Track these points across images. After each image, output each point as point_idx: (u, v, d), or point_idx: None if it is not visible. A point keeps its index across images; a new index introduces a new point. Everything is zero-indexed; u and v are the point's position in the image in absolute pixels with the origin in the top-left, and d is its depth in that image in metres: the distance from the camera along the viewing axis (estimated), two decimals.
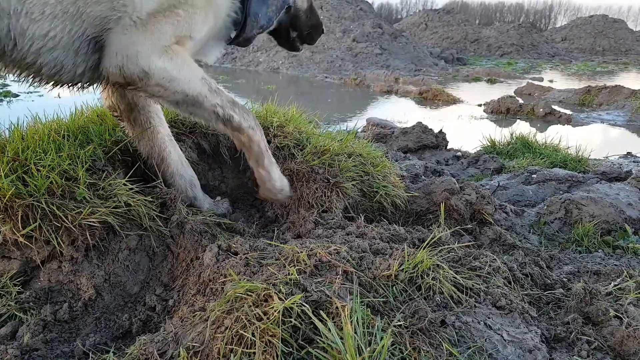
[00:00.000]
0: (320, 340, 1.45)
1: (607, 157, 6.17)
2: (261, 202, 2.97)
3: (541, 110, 11.28)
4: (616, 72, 27.27)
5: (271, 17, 2.49)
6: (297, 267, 1.79)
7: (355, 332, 1.45)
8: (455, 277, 1.94)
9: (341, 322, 1.47)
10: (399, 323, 1.60)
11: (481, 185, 4.04)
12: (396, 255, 2.00)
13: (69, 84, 2.17)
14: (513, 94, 13.86)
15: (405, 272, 1.89)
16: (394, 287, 1.84)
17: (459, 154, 6.20)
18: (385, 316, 1.65)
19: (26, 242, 2.07)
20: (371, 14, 31.27)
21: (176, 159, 2.65)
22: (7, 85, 11.34)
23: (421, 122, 6.77)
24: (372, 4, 36.89)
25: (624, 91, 13.46)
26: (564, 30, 49.68)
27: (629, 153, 6.52)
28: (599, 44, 44.82)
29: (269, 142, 3.06)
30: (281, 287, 1.61)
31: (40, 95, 10.47)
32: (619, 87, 13.83)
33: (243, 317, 1.50)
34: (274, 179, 2.50)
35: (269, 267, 1.83)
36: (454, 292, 1.87)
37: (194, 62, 2.19)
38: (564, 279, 2.31)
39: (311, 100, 13.85)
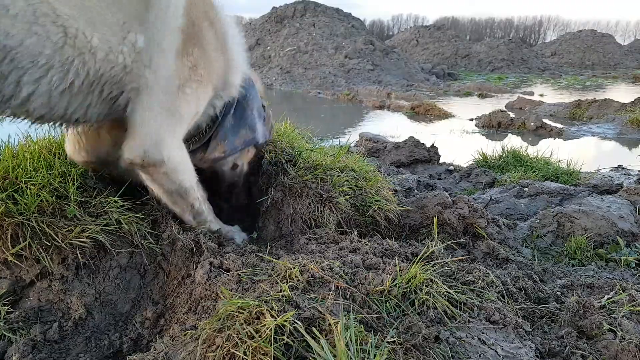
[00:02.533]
0: (313, 358, 1.43)
1: (598, 170, 6.22)
2: (252, 219, 2.96)
3: (532, 124, 11.38)
4: (605, 86, 27.60)
5: (237, 146, 2.60)
6: (289, 283, 1.78)
7: (349, 349, 1.43)
8: (449, 292, 1.93)
9: (334, 339, 1.45)
10: (393, 339, 1.59)
11: (474, 199, 4.05)
12: (389, 270, 2.00)
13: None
14: (504, 108, 13.97)
15: (398, 287, 1.88)
16: (387, 303, 1.83)
17: (451, 167, 6.23)
18: (379, 332, 1.64)
19: (16, 261, 2.05)
20: (363, 31, 31.63)
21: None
22: None
23: (413, 137, 6.80)
24: (364, 21, 37.33)
25: (613, 104, 13.62)
26: (554, 45, 50.41)
27: (619, 166, 6.57)
28: (588, 58, 45.47)
29: (261, 157, 3.06)
30: (273, 304, 1.59)
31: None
32: (608, 101, 13.99)
33: (234, 335, 1.48)
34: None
35: (261, 284, 1.81)
36: (448, 307, 1.86)
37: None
38: (558, 293, 2.30)
39: (304, 116, 13.90)
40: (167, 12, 1.95)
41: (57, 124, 2.00)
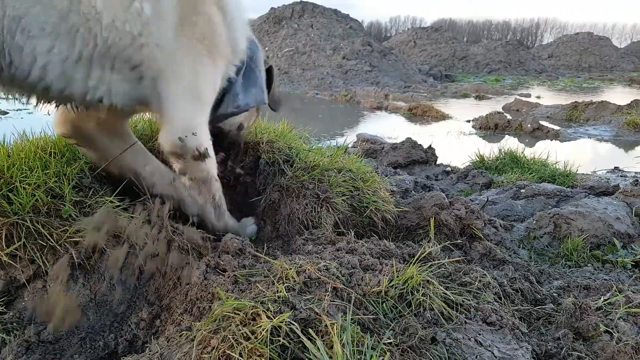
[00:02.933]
0: (309, 359, 1.42)
1: (594, 172, 6.23)
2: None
3: (529, 125, 11.39)
4: (602, 88, 27.68)
5: (249, 102, 2.62)
6: (286, 284, 1.77)
7: (345, 351, 1.42)
8: (446, 293, 1.93)
9: (330, 341, 1.44)
10: (389, 340, 1.58)
11: (470, 200, 4.05)
12: (386, 271, 1.99)
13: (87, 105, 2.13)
14: (501, 110, 13.99)
15: (395, 288, 1.88)
16: (384, 304, 1.82)
17: (448, 169, 6.23)
18: (375, 334, 1.63)
19: (10, 261, 2.03)
20: (361, 32, 31.66)
21: (153, 174, 2.61)
22: None
23: (411, 138, 6.81)
24: (362, 23, 37.34)
25: (610, 107, 13.66)
26: (551, 47, 50.54)
27: (616, 168, 6.58)
28: (584, 60, 45.61)
29: (258, 157, 3.05)
30: (269, 305, 1.59)
31: (29, 113, 10.40)
32: (605, 103, 14.03)
33: (230, 336, 1.47)
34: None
35: (257, 285, 1.81)
36: (445, 308, 1.85)
37: None
38: (554, 294, 2.30)
39: (302, 117, 13.89)
40: None
41: (87, 106, 2.01)
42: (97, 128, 2.43)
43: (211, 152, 2.26)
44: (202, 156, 2.18)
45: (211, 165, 2.28)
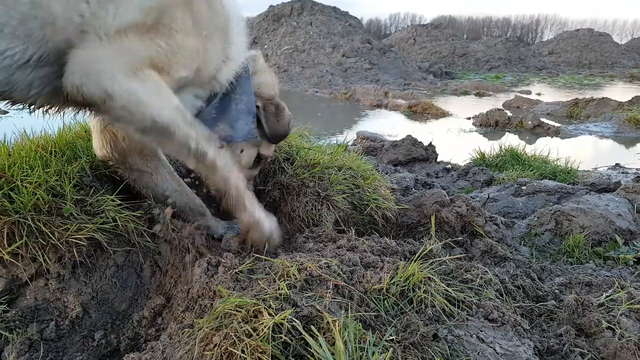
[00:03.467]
0: (311, 356, 1.42)
1: (595, 169, 6.22)
2: None
3: (530, 122, 11.39)
4: (603, 85, 27.67)
5: (250, 131, 2.44)
6: (287, 282, 1.77)
7: (347, 347, 1.43)
8: (447, 290, 1.93)
9: (332, 338, 1.45)
10: (391, 337, 1.58)
11: (471, 197, 4.05)
12: (387, 269, 1.99)
13: (23, 103, 1.97)
14: (501, 107, 13.99)
15: (396, 286, 1.88)
16: (385, 301, 1.82)
17: (449, 166, 6.23)
18: (377, 331, 1.63)
19: (12, 260, 2.03)
20: (360, 30, 31.63)
21: (180, 194, 2.58)
22: None
23: (411, 136, 6.80)
24: (361, 20, 37.33)
25: (610, 103, 13.65)
26: (551, 44, 50.49)
27: (617, 164, 6.58)
28: (585, 57, 45.56)
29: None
30: (271, 303, 1.59)
31: (30, 112, 10.38)
32: (606, 100, 14.02)
33: (232, 333, 1.47)
34: (260, 222, 2.27)
35: (258, 282, 1.81)
36: (446, 305, 1.85)
37: (172, 93, 1.98)
38: (556, 291, 2.30)
39: (302, 115, 13.88)
40: None
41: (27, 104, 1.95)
42: (133, 149, 2.42)
43: (149, 97, 1.88)
44: (127, 102, 1.83)
45: (156, 111, 1.89)
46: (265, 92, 2.57)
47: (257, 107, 2.47)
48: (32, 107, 1.95)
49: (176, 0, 1.94)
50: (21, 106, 1.97)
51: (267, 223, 2.31)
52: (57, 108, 1.98)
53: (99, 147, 2.45)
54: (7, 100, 1.91)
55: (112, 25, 1.76)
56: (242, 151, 2.52)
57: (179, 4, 1.94)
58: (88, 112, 1.98)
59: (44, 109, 1.99)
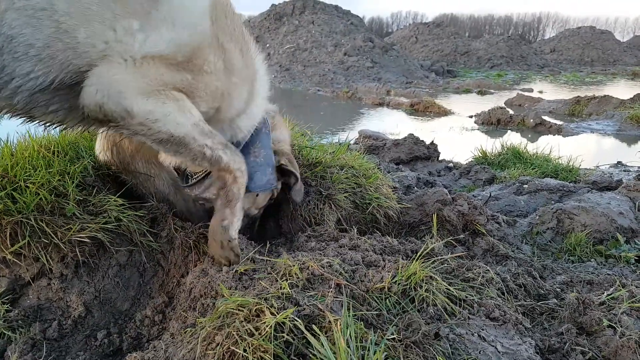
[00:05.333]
0: (313, 355, 1.43)
1: (597, 167, 6.22)
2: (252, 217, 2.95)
3: (531, 120, 11.37)
4: (605, 83, 27.59)
5: (269, 181, 2.51)
6: (289, 281, 1.78)
7: (349, 346, 1.43)
8: (449, 289, 1.93)
9: (334, 336, 1.45)
10: (393, 336, 1.59)
11: (473, 196, 4.05)
12: (389, 268, 1.99)
13: (42, 121, 1.96)
14: (503, 105, 13.96)
15: (398, 285, 1.88)
16: (387, 300, 1.83)
17: (451, 165, 6.23)
18: (379, 329, 1.64)
19: (15, 260, 2.04)
20: (362, 28, 31.60)
21: (181, 201, 2.59)
22: None
23: (413, 134, 6.80)
24: (363, 18, 37.30)
25: (612, 101, 13.62)
26: (553, 41, 50.34)
27: (619, 162, 6.57)
28: (587, 55, 45.43)
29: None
30: (273, 302, 1.59)
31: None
32: (607, 97, 13.99)
33: (234, 332, 1.48)
34: (234, 227, 2.20)
35: (260, 281, 1.81)
36: (448, 304, 1.86)
37: (193, 108, 2.03)
38: (557, 289, 2.30)
39: (304, 113, 13.88)
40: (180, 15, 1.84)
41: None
42: (137, 153, 2.43)
43: (165, 115, 1.90)
44: (145, 119, 1.87)
45: (172, 128, 1.94)
46: (285, 149, 2.68)
47: (282, 164, 2.59)
48: (50, 124, 1.96)
49: (211, 42, 1.96)
50: (40, 124, 1.97)
51: (234, 234, 2.20)
52: (74, 124, 1.97)
53: (101, 151, 2.46)
54: (25, 118, 1.91)
55: (139, 52, 1.77)
56: (257, 195, 2.59)
57: (213, 46, 1.97)
58: (106, 128, 1.99)
59: (63, 127, 1.99)
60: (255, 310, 1.56)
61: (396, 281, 1.89)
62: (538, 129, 11.17)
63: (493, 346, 1.68)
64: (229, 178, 2.17)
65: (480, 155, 6.48)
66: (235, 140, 2.38)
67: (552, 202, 4.04)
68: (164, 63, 1.85)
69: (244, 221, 2.32)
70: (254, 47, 2.39)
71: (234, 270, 1.97)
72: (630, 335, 1.82)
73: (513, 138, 9.32)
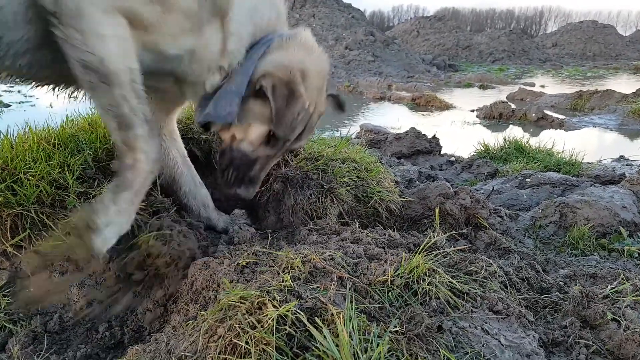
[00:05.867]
0: (315, 347, 1.42)
1: (600, 161, 6.19)
2: (254, 209, 2.94)
3: (534, 115, 11.33)
4: (607, 77, 27.50)
5: (230, 113, 2.03)
6: (291, 274, 1.77)
7: (351, 339, 1.42)
8: (452, 282, 1.92)
9: (337, 329, 1.44)
10: (395, 329, 1.58)
11: (475, 189, 4.03)
12: (392, 261, 1.98)
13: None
14: (505, 100, 13.90)
15: (401, 278, 1.87)
16: (389, 293, 1.82)
17: (453, 159, 6.20)
18: (381, 322, 1.63)
19: (15, 252, 2.04)
20: (363, 22, 31.49)
21: (189, 180, 2.56)
22: None
23: (414, 128, 6.77)
24: (364, 12, 37.15)
25: (615, 95, 13.56)
26: (555, 36, 50.18)
27: (621, 156, 6.54)
28: (589, 49, 45.28)
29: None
30: (275, 294, 1.58)
31: (32, 105, 10.39)
32: (610, 92, 13.93)
33: (236, 325, 1.47)
34: (106, 223, 1.76)
35: (262, 274, 1.80)
36: (451, 297, 1.85)
37: (136, 59, 1.80)
38: (561, 283, 2.29)
39: None
40: None
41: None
42: None
43: (109, 37, 1.71)
44: (86, 28, 1.69)
45: (109, 54, 1.71)
46: (284, 72, 2.09)
47: (262, 86, 2.04)
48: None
49: None
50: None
51: (104, 231, 1.78)
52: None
53: None
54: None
55: None
56: (249, 125, 2.16)
57: None
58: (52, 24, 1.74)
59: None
60: (258, 302, 1.55)
61: (399, 274, 1.88)
62: (540, 123, 11.13)
63: (496, 339, 1.67)
64: (129, 158, 1.81)
65: (483, 149, 6.45)
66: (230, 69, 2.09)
67: (555, 195, 4.03)
68: None
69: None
70: None
71: (236, 263, 1.96)
72: (634, 328, 1.80)
73: (515, 132, 9.29)
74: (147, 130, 1.80)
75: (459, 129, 10.86)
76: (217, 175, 2.25)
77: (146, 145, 1.80)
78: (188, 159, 2.60)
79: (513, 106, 12.32)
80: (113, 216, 1.76)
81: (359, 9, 33.52)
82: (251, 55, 2.08)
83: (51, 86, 2.04)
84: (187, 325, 1.66)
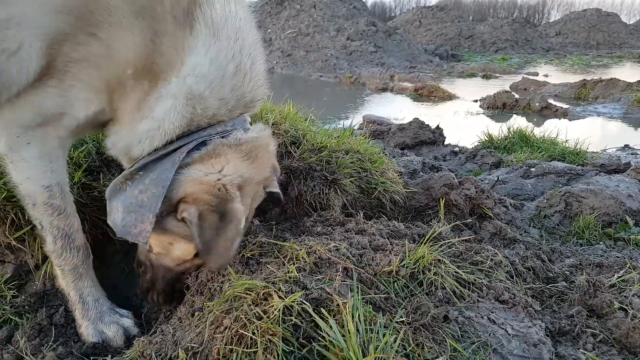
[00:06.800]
0: (321, 338, 1.42)
1: (605, 150, 6.16)
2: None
3: (537, 104, 11.28)
4: (611, 66, 27.32)
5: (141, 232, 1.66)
6: (296, 265, 1.76)
7: (357, 329, 1.42)
8: (457, 272, 1.91)
9: (343, 320, 1.44)
10: (402, 319, 1.57)
11: (480, 180, 4.02)
12: (397, 251, 1.98)
13: None
14: (509, 89, 13.86)
15: (406, 268, 1.86)
16: (395, 283, 1.81)
17: (457, 149, 6.18)
18: (387, 312, 1.63)
19: (19, 246, 2.04)
20: (365, 12, 31.28)
21: None
22: None
23: (418, 119, 6.74)
24: (366, 2, 36.94)
25: (619, 84, 13.48)
26: (558, 24, 49.80)
27: (626, 145, 6.51)
28: (593, 37, 44.94)
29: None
30: (281, 285, 1.58)
31: None
32: (614, 80, 13.85)
33: (242, 316, 1.47)
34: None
35: (268, 266, 1.80)
36: (456, 287, 1.84)
37: (61, 158, 1.75)
38: (567, 272, 2.28)
39: (307, 99, 13.79)
40: None
41: None
42: None
43: (31, 163, 1.68)
44: (15, 158, 1.68)
45: (27, 179, 1.70)
46: (213, 192, 1.67)
47: (185, 218, 1.67)
48: None
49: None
50: None
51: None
52: None
53: None
54: None
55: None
56: (170, 244, 1.82)
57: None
58: None
59: None
60: (263, 293, 1.55)
61: (404, 265, 1.87)
62: (544, 113, 11.09)
63: (503, 329, 1.66)
64: (57, 270, 1.90)
65: (487, 139, 6.42)
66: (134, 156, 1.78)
67: (560, 185, 4.01)
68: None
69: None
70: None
71: (241, 255, 1.95)
72: None
73: (519, 122, 9.25)
74: (60, 245, 1.82)
75: (462, 119, 10.83)
76: (138, 292, 2.01)
77: (57, 260, 1.87)
78: None
79: (516, 96, 12.27)
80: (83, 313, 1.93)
81: (360, 0, 33.29)
82: (172, 158, 1.69)
83: None
84: (193, 317, 1.66)
